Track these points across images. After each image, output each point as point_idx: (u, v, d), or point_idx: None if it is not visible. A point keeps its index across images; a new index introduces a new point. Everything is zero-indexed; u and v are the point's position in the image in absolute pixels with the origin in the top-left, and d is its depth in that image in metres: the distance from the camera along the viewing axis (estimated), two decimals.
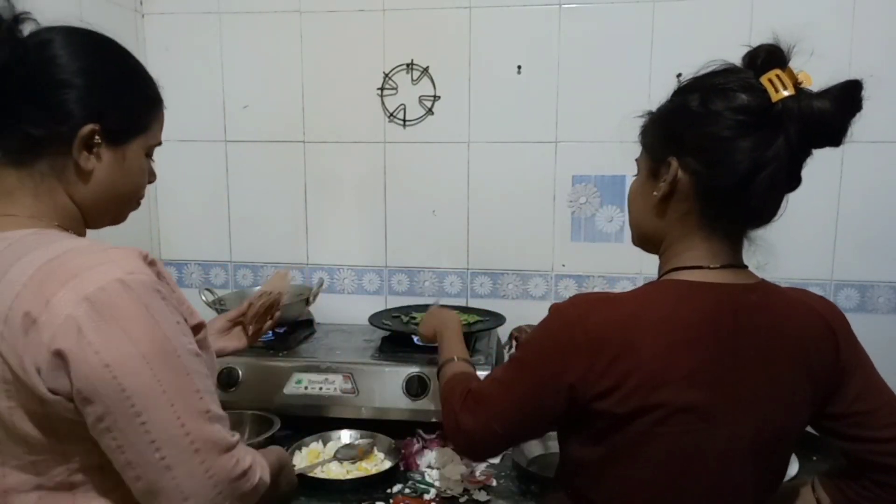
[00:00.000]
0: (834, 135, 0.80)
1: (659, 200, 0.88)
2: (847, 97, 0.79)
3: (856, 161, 1.65)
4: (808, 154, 0.83)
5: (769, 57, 0.81)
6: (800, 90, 0.79)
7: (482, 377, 1.00)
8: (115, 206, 0.86)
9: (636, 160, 0.95)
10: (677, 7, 1.67)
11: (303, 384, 1.48)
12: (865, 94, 0.79)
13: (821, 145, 0.81)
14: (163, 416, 0.69)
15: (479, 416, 0.92)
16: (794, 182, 0.84)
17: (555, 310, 0.88)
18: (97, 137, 0.79)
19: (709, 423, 0.81)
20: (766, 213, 0.85)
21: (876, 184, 1.65)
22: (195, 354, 0.74)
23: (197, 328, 0.80)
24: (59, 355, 0.66)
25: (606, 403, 0.81)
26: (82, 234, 0.82)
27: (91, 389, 0.67)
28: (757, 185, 0.80)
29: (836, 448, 0.91)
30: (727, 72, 0.84)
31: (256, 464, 0.78)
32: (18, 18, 0.76)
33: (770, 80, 0.80)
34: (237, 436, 0.76)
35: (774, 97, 0.79)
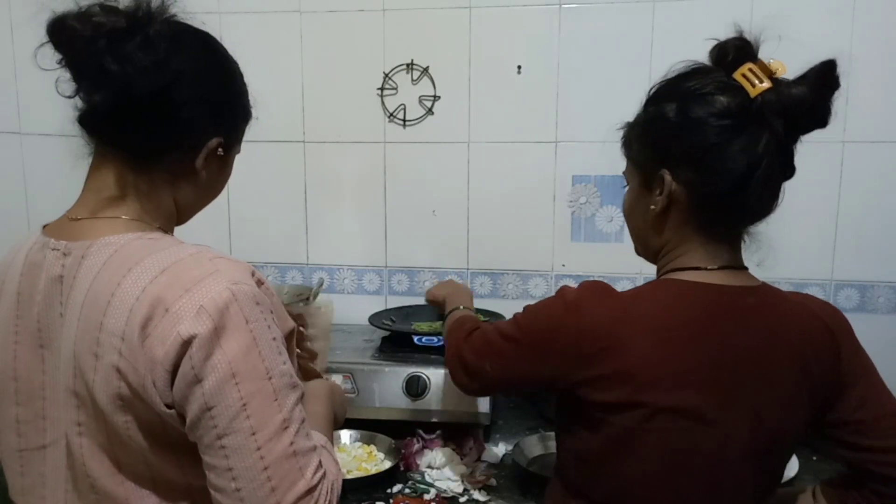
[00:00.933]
0: (818, 117, 0.80)
1: (657, 214, 0.87)
2: (824, 78, 0.78)
3: (856, 161, 1.64)
4: (796, 141, 0.82)
5: (739, 52, 0.81)
6: (776, 81, 0.78)
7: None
8: (202, 206, 0.88)
9: (623, 173, 0.94)
10: (677, 7, 1.67)
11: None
12: (840, 71, 0.78)
13: (808, 130, 0.81)
14: (241, 443, 0.66)
15: (478, 351, 0.99)
16: (788, 171, 0.83)
17: (561, 291, 0.90)
18: (220, 149, 0.81)
19: (700, 423, 0.81)
20: (765, 208, 0.85)
21: (876, 183, 1.65)
22: (289, 376, 0.71)
23: (289, 335, 0.79)
24: (173, 372, 0.66)
25: (594, 392, 0.82)
26: (172, 232, 0.83)
27: (185, 400, 0.67)
28: (753, 183, 0.80)
29: (839, 455, 0.90)
30: (698, 73, 0.83)
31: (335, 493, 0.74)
32: (160, 18, 0.75)
33: (744, 76, 0.79)
34: (320, 472, 0.70)
35: (752, 92, 0.78)
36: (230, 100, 0.85)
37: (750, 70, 0.78)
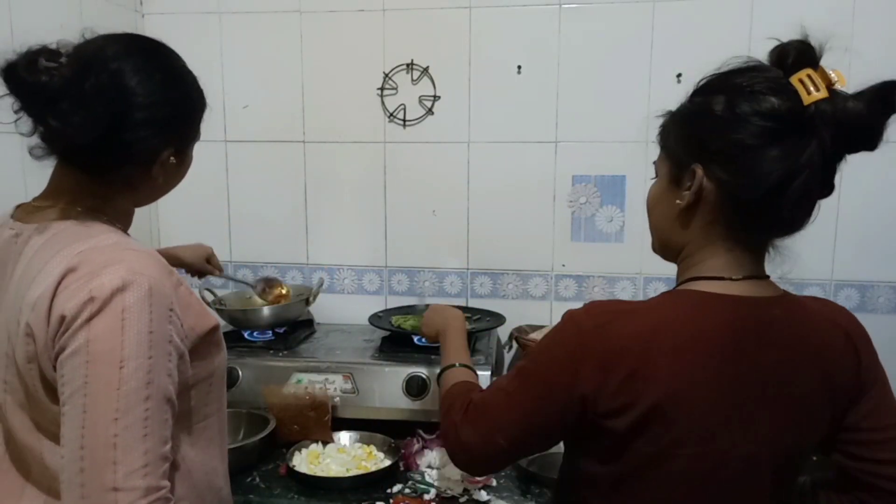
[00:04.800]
0: (870, 138, 0.76)
1: (682, 210, 0.83)
2: (882, 98, 0.74)
3: (856, 161, 1.63)
4: (841, 159, 0.78)
5: (800, 56, 0.76)
6: (833, 92, 0.74)
7: (484, 383, 0.96)
8: (161, 196, 0.93)
9: (654, 163, 0.90)
10: (677, 7, 1.66)
11: (303, 384, 1.48)
12: None
13: (856, 150, 0.77)
14: (73, 416, 0.70)
15: (480, 428, 0.86)
16: (826, 189, 0.79)
17: (569, 318, 0.82)
18: (173, 158, 0.86)
19: (726, 443, 0.78)
20: (796, 222, 0.80)
21: (876, 184, 1.65)
22: (146, 371, 0.72)
23: (211, 331, 0.85)
24: (54, 340, 0.73)
25: (619, 421, 0.78)
26: (129, 223, 0.89)
27: (55, 365, 0.73)
28: (789, 194, 0.75)
29: (833, 458, 0.88)
30: (753, 70, 0.79)
31: None
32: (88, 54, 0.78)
33: (801, 81, 0.75)
34: (143, 480, 0.70)
35: (806, 100, 0.74)
36: (180, 112, 0.87)
37: (808, 76, 0.74)
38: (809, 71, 0.75)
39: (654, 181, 0.91)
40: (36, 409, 0.78)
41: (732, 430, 0.79)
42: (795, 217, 0.80)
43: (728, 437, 0.79)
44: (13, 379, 0.79)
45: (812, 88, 0.74)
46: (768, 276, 0.85)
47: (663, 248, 0.91)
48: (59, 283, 0.74)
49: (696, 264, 0.84)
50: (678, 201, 0.83)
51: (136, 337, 0.71)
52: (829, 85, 0.75)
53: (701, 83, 0.84)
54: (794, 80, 0.75)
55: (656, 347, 0.77)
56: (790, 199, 0.76)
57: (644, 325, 0.78)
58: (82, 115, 0.74)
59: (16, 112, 0.77)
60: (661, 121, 0.88)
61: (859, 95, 0.75)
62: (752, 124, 0.75)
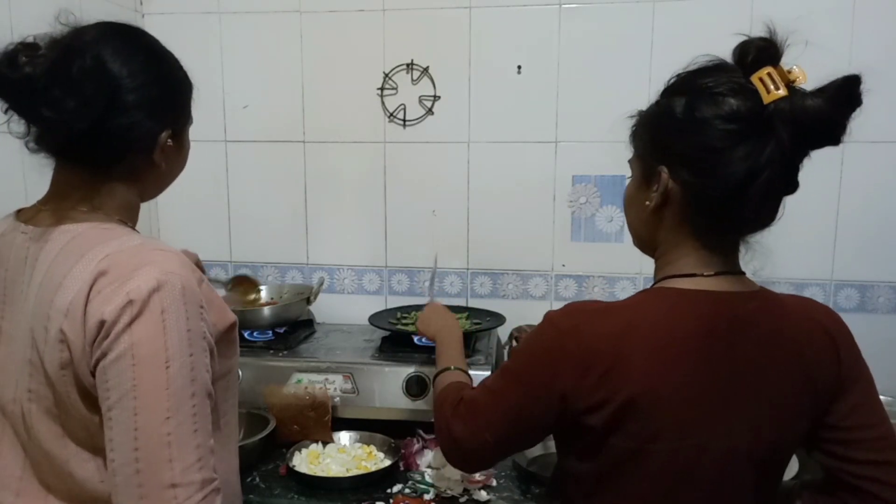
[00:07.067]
0: (831, 134, 0.75)
1: (652, 210, 0.85)
2: (844, 94, 0.74)
3: (856, 161, 1.64)
4: (804, 156, 0.79)
5: (760, 54, 0.76)
6: (792, 89, 0.74)
7: (479, 381, 0.98)
8: (166, 185, 0.93)
9: (629, 162, 0.92)
10: (677, 7, 1.67)
11: (303, 384, 1.48)
12: (865, 87, 0.74)
13: (819, 146, 0.77)
14: (124, 419, 0.71)
15: (469, 424, 0.90)
16: (791, 186, 0.80)
17: (548, 319, 0.85)
18: (170, 141, 0.86)
19: (702, 438, 0.79)
20: (761, 220, 0.81)
21: (876, 184, 1.65)
22: (190, 369, 0.73)
23: (230, 327, 0.86)
24: (93, 345, 0.73)
25: (596, 418, 0.79)
26: (136, 219, 0.89)
27: (95, 370, 0.73)
28: (751, 193, 0.76)
29: (817, 458, 0.88)
30: (716, 70, 0.80)
31: None
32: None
33: (761, 80, 0.74)
34: (198, 474, 0.72)
35: (766, 99, 0.74)
36: (170, 92, 0.87)
37: (768, 75, 0.74)
38: (770, 69, 0.75)
39: (629, 180, 0.92)
40: (65, 415, 0.78)
41: (709, 425, 0.79)
42: (759, 215, 0.81)
43: (704, 431, 0.79)
44: (39, 386, 0.78)
45: (772, 86, 0.74)
46: (743, 273, 0.86)
47: (641, 245, 0.94)
48: (91, 288, 0.73)
49: (669, 263, 0.86)
50: (647, 202, 0.85)
51: (177, 336, 0.73)
52: (790, 83, 0.75)
53: (667, 83, 0.85)
54: (754, 79, 0.76)
55: (629, 345, 0.78)
56: (753, 199, 0.77)
57: (618, 324, 0.80)
58: (75, 99, 0.74)
59: (5, 112, 0.76)
60: (632, 121, 0.89)
61: (819, 92, 0.75)
62: (713, 127, 0.77)
